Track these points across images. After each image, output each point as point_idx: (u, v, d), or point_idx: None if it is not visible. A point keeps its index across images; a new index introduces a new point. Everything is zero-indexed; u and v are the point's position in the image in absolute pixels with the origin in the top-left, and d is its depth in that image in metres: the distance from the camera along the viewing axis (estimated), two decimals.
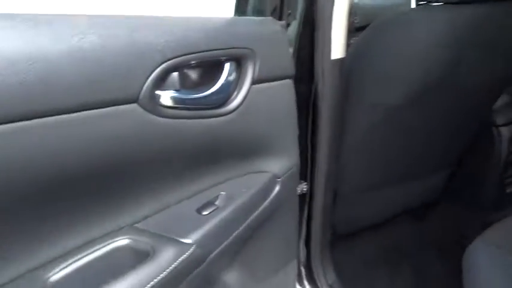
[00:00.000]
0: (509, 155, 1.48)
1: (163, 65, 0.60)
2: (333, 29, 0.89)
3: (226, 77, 0.70)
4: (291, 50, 0.85)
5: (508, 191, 1.59)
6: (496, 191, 1.56)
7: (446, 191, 1.53)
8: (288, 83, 0.81)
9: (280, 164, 0.83)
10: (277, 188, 0.82)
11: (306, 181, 1.07)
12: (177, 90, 0.64)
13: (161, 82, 0.62)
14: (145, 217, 0.67)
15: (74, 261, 0.57)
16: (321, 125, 0.98)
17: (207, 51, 0.67)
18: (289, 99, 0.82)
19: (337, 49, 0.92)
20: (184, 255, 0.62)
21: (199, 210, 0.69)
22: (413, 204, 1.47)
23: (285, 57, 0.80)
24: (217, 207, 0.71)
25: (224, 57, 0.70)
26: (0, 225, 0.50)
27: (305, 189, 1.07)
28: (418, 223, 1.57)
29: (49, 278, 0.54)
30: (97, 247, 0.60)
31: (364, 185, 1.28)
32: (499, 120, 1.45)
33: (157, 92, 0.61)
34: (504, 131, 1.44)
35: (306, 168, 1.05)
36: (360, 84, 1.09)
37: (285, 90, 0.81)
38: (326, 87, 0.94)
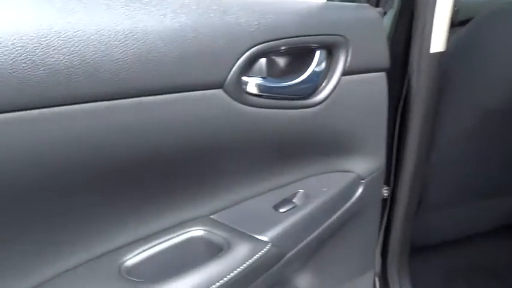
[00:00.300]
0: None
1: (253, 50, 0.56)
2: (434, 19, 0.79)
3: (316, 66, 0.65)
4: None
5: None
6: None
7: None
8: (381, 76, 0.74)
9: (365, 164, 0.76)
10: (360, 190, 0.75)
11: (388, 185, 0.98)
12: (263, 78, 0.60)
13: (248, 68, 0.58)
14: (221, 209, 0.65)
15: (148, 248, 0.56)
16: (411, 124, 0.89)
17: (298, 36, 0.62)
18: (381, 94, 0.74)
19: (438, 42, 0.82)
20: (260, 253, 0.58)
21: (276, 207, 0.65)
22: (504, 221, 1.30)
23: (380, 47, 0.73)
24: (295, 206, 0.66)
25: (315, 45, 0.64)
26: (78, 207, 0.50)
27: (386, 194, 0.99)
28: (508, 243, 1.39)
29: (124, 262, 0.53)
30: (171, 236, 0.58)
31: (453, 195, 1.15)
32: None
33: (243, 78, 0.58)
34: None
35: (390, 171, 0.97)
36: (458, 83, 0.97)
37: (377, 84, 0.73)
38: (421, 83, 0.85)
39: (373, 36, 0.71)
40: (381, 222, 1.02)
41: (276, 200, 0.66)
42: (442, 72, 0.96)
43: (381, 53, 0.73)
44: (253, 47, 0.56)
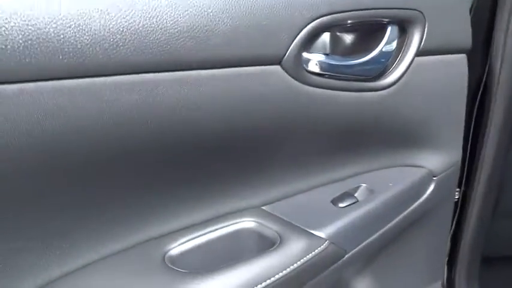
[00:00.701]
0: None
1: (316, 22, 0.50)
2: None
3: (386, 44, 0.57)
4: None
5: None
6: None
7: None
8: (461, 58, 0.64)
9: (438, 159, 0.67)
10: (431, 189, 0.66)
11: (459, 186, 0.88)
12: (326, 55, 0.54)
13: (310, 43, 0.52)
14: (275, 201, 0.59)
15: (195, 238, 0.51)
16: (490, 117, 0.78)
17: (367, 9, 0.54)
18: (460, 79, 0.65)
19: None
20: (316, 251, 0.52)
21: (335, 202, 0.58)
22: None
23: (462, 25, 0.63)
24: (357, 201, 0.59)
25: (387, 19, 0.57)
26: (122, 189, 0.47)
27: (457, 196, 0.88)
28: None
29: (168, 251, 0.49)
30: (220, 226, 0.54)
31: None
32: None
33: (304, 54, 0.52)
34: None
35: (462, 171, 0.86)
36: None
37: (456, 68, 0.64)
38: (505, 69, 0.74)
39: (454, 13, 0.62)
40: (450, 228, 0.92)
41: (335, 194, 0.60)
42: None
43: (462, 32, 0.63)
44: (316, 19, 0.50)
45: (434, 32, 0.59)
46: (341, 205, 0.58)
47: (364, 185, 0.62)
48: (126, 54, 0.40)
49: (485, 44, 0.76)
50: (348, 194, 0.60)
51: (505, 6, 0.71)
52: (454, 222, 0.92)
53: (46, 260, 0.45)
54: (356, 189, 0.61)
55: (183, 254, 0.50)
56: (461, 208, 0.90)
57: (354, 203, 0.58)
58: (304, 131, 0.55)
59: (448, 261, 0.95)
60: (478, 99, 0.81)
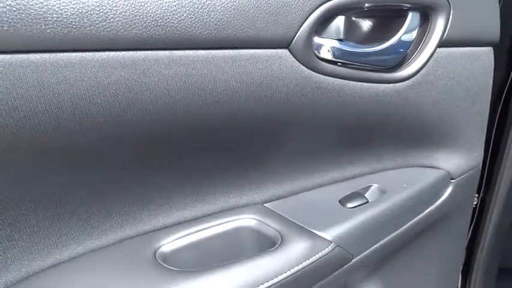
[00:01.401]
0: None
1: (328, 4, 0.46)
2: None
3: (406, 32, 0.52)
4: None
5: None
6: None
7: None
8: (487, 52, 0.59)
9: (457, 160, 0.62)
10: (448, 192, 0.61)
11: (477, 191, 0.83)
12: (340, 40, 0.49)
13: (322, 27, 0.47)
14: (278, 198, 0.55)
15: (190, 234, 0.48)
16: None
17: None
18: (485, 74, 0.60)
19: None
20: (320, 253, 0.47)
21: (343, 202, 0.54)
22: None
23: (490, 15, 0.58)
24: (367, 202, 0.54)
25: (408, 5, 0.52)
26: (114, 176, 0.43)
27: (475, 202, 0.83)
28: None
29: (160, 247, 0.46)
30: (218, 222, 0.50)
31: None
32: None
33: (315, 38, 0.47)
34: None
35: (482, 174, 0.81)
36: None
37: (481, 62, 0.59)
38: None
39: (482, 2, 0.57)
40: (466, 234, 0.87)
41: (343, 193, 0.55)
42: None
43: (490, 24, 0.58)
44: (329, 0, 0.45)
45: (460, 21, 0.54)
46: (350, 205, 0.53)
47: (375, 185, 0.57)
48: (116, 29, 0.36)
49: None
50: (357, 194, 0.55)
51: None
52: (471, 229, 0.87)
53: (30, 252, 0.42)
54: (367, 189, 0.57)
55: (176, 251, 0.46)
56: (479, 215, 0.85)
57: (363, 203, 0.54)
58: (311, 122, 0.51)
59: (463, 270, 0.90)
60: (503, 98, 0.75)
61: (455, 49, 0.56)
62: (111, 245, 0.45)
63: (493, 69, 0.60)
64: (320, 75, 0.47)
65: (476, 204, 0.85)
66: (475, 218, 0.85)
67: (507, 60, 0.71)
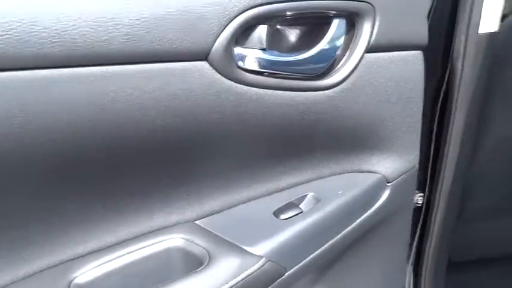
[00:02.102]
0: None
1: (249, 13, 0.44)
2: None
3: (332, 39, 0.51)
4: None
5: None
6: None
7: None
8: (417, 55, 0.59)
9: (393, 164, 0.62)
10: (385, 195, 0.62)
11: (422, 191, 0.84)
12: (263, 50, 0.48)
13: (243, 36, 0.46)
14: (211, 213, 0.53)
15: (110, 261, 0.45)
16: (452, 119, 0.74)
17: (310, 0, 0.49)
18: (415, 77, 0.60)
19: (489, 20, 0.67)
20: (249, 270, 0.46)
21: (277, 213, 0.53)
22: None
23: (416, 19, 0.59)
24: (302, 212, 0.53)
25: (333, 12, 0.51)
26: (22, 201, 0.40)
27: (420, 202, 0.85)
28: None
29: (77, 276, 0.43)
30: (143, 244, 0.47)
31: (498, 205, 0.98)
32: None
33: (236, 49, 0.46)
34: None
35: (425, 175, 0.82)
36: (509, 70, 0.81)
37: (411, 65, 0.59)
38: (466, 70, 0.70)
39: (408, 6, 0.57)
40: (413, 234, 0.88)
41: (278, 205, 0.54)
42: (493, 58, 0.81)
43: (417, 27, 0.59)
44: (249, 9, 0.44)
45: (386, 26, 0.54)
46: (283, 217, 0.52)
47: (311, 193, 0.56)
48: (8, 46, 0.33)
49: (446, 46, 0.72)
50: (291, 205, 0.54)
51: (464, 5, 0.67)
52: (419, 228, 0.88)
53: None
54: (302, 199, 0.56)
55: (93, 281, 0.43)
56: (425, 214, 0.86)
57: (297, 214, 0.53)
58: (238, 133, 0.50)
59: (415, 268, 0.91)
60: (440, 100, 0.77)
61: (384, 54, 0.56)
62: (21, 279, 0.42)
63: (423, 72, 0.61)
64: (243, 86, 0.46)
65: (422, 203, 0.86)
66: (422, 216, 0.87)
67: (441, 64, 0.73)
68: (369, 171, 0.61)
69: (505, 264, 1.06)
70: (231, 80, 0.45)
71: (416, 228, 0.88)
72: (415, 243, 0.90)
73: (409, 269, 0.91)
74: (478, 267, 1.08)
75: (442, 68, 0.75)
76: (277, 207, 0.53)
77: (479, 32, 0.68)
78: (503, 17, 0.79)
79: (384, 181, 0.61)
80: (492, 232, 1.04)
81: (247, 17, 0.44)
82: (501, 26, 0.78)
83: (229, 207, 0.54)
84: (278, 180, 0.57)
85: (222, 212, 0.53)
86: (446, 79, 0.74)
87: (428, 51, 0.74)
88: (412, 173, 0.65)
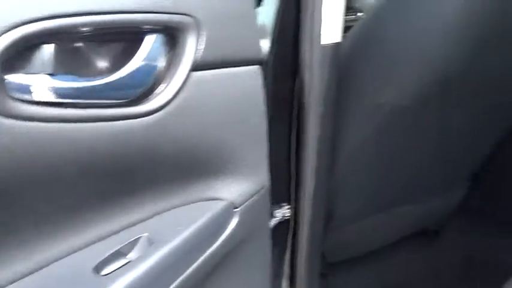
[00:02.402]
0: None
1: (14, 33, 0.35)
2: (324, 3, 0.65)
3: (148, 58, 0.44)
4: (260, 20, 0.60)
5: None
6: None
7: (462, 210, 1.28)
8: (253, 71, 0.56)
9: (240, 187, 0.57)
10: (234, 222, 0.57)
11: (289, 203, 0.83)
12: (51, 75, 0.39)
13: (17, 61, 0.36)
14: (20, 276, 0.42)
15: None
16: (308, 129, 0.73)
17: (113, 13, 0.41)
18: (255, 94, 0.56)
19: (330, 31, 0.68)
20: None
21: (98, 268, 0.44)
22: (423, 227, 1.21)
23: (249, 33, 0.55)
24: (129, 262, 0.45)
25: (147, 26, 0.45)
26: None
27: (288, 215, 0.84)
28: (428, 249, 1.32)
29: None
30: None
31: (364, 205, 1.03)
32: None
33: (11, 77, 0.36)
34: None
35: (289, 187, 0.81)
36: (360, 78, 0.84)
37: (246, 82, 0.55)
38: (315, 80, 0.70)
39: (237, 18, 0.53)
40: (286, 247, 0.87)
41: (98, 257, 0.45)
42: (341, 67, 0.83)
43: (250, 41, 0.55)
44: (15, 28, 0.35)
45: (215, 41, 0.49)
46: (105, 272, 0.43)
47: (144, 235, 0.49)
48: None
49: (294, 58, 0.71)
50: (118, 254, 0.46)
51: (305, 17, 0.66)
52: (290, 240, 0.87)
53: None
54: (132, 244, 0.48)
55: None
56: (295, 224, 0.85)
57: (124, 265, 0.44)
58: (36, 180, 0.40)
59: (291, 277, 0.90)
60: (295, 114, 0.76)
61: (215, 71, 0.51)
62: None
63: (262, 87, 0.57)
64: (21, 122, 0.36)
65: (290, 215, 0.85)
66: (292, 227, 0.86)
67: (290, 77, 0.72)
68: (213, 199, 0.56)
69: (371, 260, 1.12)
70: (5, 116, 0.35)
71: (287, 241, 0.87)
72: (288, 255, 0.89)
73: (286, 281, 0.90)
74: (351, 265, 1.13)
75: (292, 80, 0.73)
76: (97, 261, 0.44)
77: (322, 43, 0.68)
78: (347, 28, 0.81)
79: (231, 207, 0.56)
80: (360, 232, 1.09)
81: (15, 38, 0.35)
82: (345, 37, 0.81)
83: (43, 266, 0.44)
84: (108, 223, 0.48)
85: (35, 273, 0.43)
86: (297, 92, 0.73)
87: (276, 64, 0.73)
88: (263, 193, 0.62)
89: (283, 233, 0.87)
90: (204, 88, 0.50)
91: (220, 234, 0.55)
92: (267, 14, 0.74)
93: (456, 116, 0.89)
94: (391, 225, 1.14)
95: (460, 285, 1.20)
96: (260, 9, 0.73)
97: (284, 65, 0.72)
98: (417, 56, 0.75)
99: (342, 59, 0.82)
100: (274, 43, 0.71)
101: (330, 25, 0.68)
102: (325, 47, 0.68)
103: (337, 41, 0.70)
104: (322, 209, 0.87)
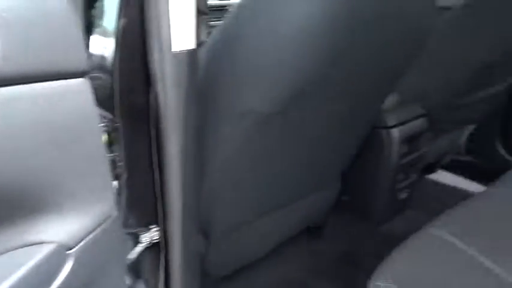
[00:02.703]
0: (401, 158, 1.35)
1: None
2: (170, 5, 0.59)
3: None
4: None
5: (400, 197, 1.46)
6: (388, 198, 1.42)
7: (337, 206, 1.34)
8: (77, 85, 0.47)
9: (72, 224, 0.48)
10: (67, 267, 0.47)
11: (158, 225, 0.76)
12: None
13: None
14: None
15: None
16: (169, 145, 0.67)
17: None
18: (80, 112, 0.48)
19: (182, 37, 0.63)
20: None
21: None
22: (302, 227, 1.24)
23: (65, 38, 0.46)
24: None
25: None
26: None
27: (157, 238, 0.77)
28: (309, 247, 1.36)
29: None
30: None
31: (244, 213, 1.00)
32: (390, 121, 1.29)
33: None
34: (395, 133, 1.30)
35: (156, 208, 0.74)
36: (223, 86, 0.80)
37: (69, 99, 0.46)
38: (170, 92, 0.64)
39: (49, 21, 0.44)
40: (158, 273, 0.80)
41: None
42: (205, 72, 0.78)
43: (69, 49, 0.46)
44: None
45: (14, 50, 0.40)
46: None
47: None
48: None
49: (145, 68, 0.64)
50: None
51: (151, 21, 0.60)
52: (162, 263, 0.80)
53: None
54: None
55: None
56: (166, 248, 0.79)
57: None
58: None
59: None
60: (153, 130, 0.69)
61: (22, 87, 0.41)
62: None
63: (91, 102, 0.49)
64: None
65: (160, 237, 0.78)
66: (163, 251, 0.79)
67: (144, 89, 0.65)
68: (38, 243, 0.46)
69: (266, 261, 1.12)
70: None
71: (159, 265, 0.80)
72: (162, 282, 0.82)
73: None
74: (240, 274, 1.10)
75: (145, 93, 0.67)
76: None
77: (173, 50, 0.62)
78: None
79: (63, 250, 0.47)
80: (247, 239, 1.07)
81: None
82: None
83: None
84: None
85: None
86: (153, 106, 0.66)
87: (124, 75, 0.65)
88: (110, 224, 0.53)
89: (156, 258, 0.80)
90: (8, 109, 0.40)
91: (50, 285, 0.45)
92: (107, 16, 0.66)
93: (320, 121, 0.91)
94: (276, 227, 1.14)
95: (339, 277, 1.25)
96: (96, 10, 0.65)
97: (134, 76, 0.65)
98: (275, 63, 0.73)
99: (201, 66, 0.78)
100: (118, 51, 0.64)
101: (180, 30, 0.62)
102: (177, 54, 0.63)
103: (191, 48, 0.65)
104: (194, 225, 0.82)
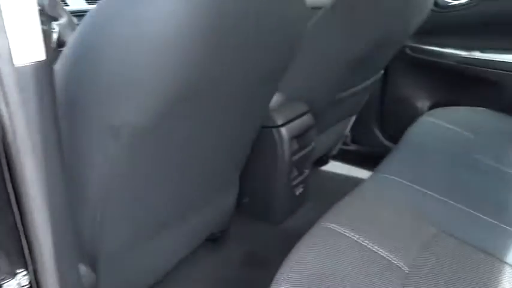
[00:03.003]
0: (293, 155, 1.39)
1: None
2: (3, 12, 0.50)
3: None
4: None
5: (297, 193, 1.51)
6: (285, 195, 1.45)
7: (238, 210, 1.33)
8: None
9: None
10: None
11: (26, 269, 0.66)
12: None
13: None
14: None
15: None
16: (24, 173, 0.57)
17: None
18: None
19: (26, 47, 0.53)
20: None
21: None
22: (205, 236, 1.20)
23: None
24: None
25: None
26: None
27: (26, 284, 0.66)
28: (213, 256, 1.32)
29: None
30: None
31: (132, 238, 0.92)
32: (279, 120, 1.32)
33: None
34: (285, 131, 1.33)
35: (22, 250, 0.63)
36: (87, 99, 0.71)
37: None
38: (18, 114, 0.54)
39: None
40: None
41: None
42: (65, 86, 0.69)
43: None
44: None
45: None
46: None
47: None
48: None
49: None
50: None
51: None
52: None
53: None
54: None
55: None
56: None
57: None
58: None
59: None
60: (3, 160, 0.58)
61: None
62: None
63: None
64: None
65: (30, 281, 0.67)
66: None
67: None
68: None
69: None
70: None
71: None
72: None
73: None
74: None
75: None
76: None
77: (15, 64, 0.52)
78: (61, 44, 0.67)
79: None
80: (134, 269, 0.99)
81: None
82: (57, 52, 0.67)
83: None
84: None
85: None
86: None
87: None
88: None
89: None
90: None
91: None
92: None
93: (207, 127, 0.87)
94: (177, 241, 1.07)
95: (246, 280, 1.24)
96: None
97: None
98: (143, 70, 0.67)
99: (60, 80, 0.68)
100: None
101: (23, 40, 0.53)
102: (21, 68, 0.53)
103: (40, 59, 0.56)
104: (73, 259, 0.72)
